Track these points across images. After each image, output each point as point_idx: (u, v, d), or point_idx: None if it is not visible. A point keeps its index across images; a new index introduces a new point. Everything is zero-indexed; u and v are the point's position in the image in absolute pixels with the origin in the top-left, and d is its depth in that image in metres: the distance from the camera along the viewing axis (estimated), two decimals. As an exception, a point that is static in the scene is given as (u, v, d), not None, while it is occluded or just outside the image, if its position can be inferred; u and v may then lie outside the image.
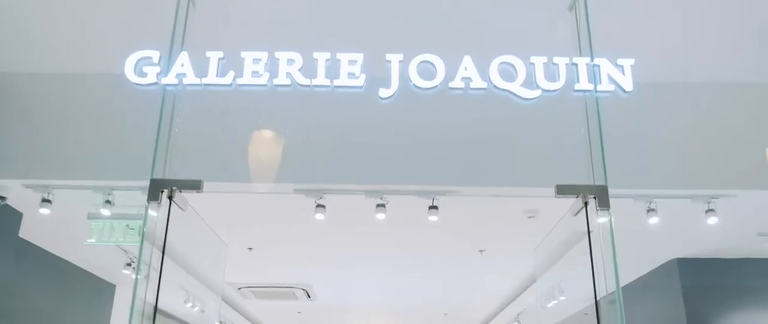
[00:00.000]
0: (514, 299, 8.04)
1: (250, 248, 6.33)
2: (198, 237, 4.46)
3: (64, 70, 4.22)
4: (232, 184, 4.06)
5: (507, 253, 6.36)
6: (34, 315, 5.74)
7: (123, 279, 7.02)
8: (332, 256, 6.72)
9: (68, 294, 6.48)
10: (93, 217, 4.54)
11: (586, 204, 2.93)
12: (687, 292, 5.87)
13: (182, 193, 2.95)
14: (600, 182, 2.99)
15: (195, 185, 2.91)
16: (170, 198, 2.91)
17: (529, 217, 4.55)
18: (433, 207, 4.13)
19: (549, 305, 7.10)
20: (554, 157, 3.62)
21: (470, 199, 4.29)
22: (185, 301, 7.37)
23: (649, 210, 4.22)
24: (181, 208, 3.00)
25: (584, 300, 6.64)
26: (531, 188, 4.03)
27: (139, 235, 4.26)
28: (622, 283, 6.65)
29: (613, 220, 4.14)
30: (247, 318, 9.81)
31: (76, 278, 6.61)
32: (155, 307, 2.90)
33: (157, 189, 2.92)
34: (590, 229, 3.00)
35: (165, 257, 5.90)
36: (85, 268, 6.61)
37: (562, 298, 6.70)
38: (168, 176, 3.13)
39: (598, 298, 5.00)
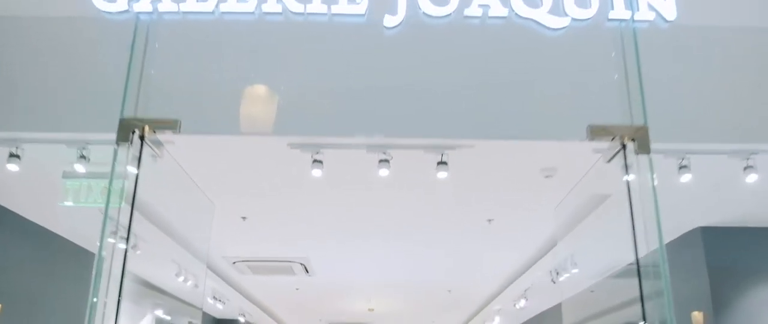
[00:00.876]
0: (521, 274, 7.66)
1: (244, 217, 5.93)
2: (181, 196, 4.06)
3: (28, 12, 3.79)
4: (217, 138, 3.67)
5: (517, 223, 5.97)
6: (8, 287, 5.37)
7: (109, 249, 6.63)
8: (331, 227, 6.33)
9: (47, 265, 6.10)
10: (68, 176, 4.14)
11: (623, 146, 2.51)
12: (712, 265, 5.44)
13: (157, 135, 2.54)
14: (638, 123, 2.58)
15: (171, 125, 2.50)
16: (142, 138, 2.50)
17: (547, 177, 4.14)
18: (442, 162, 3.73)
19: (561, 279, 6.73)
20: (583, 100, 3.20)
21: (483, 155, 3.88)
22: (177, 275, 7.00)
23: (681, 167, 3.81)
24: (155, 152, 2.60)
25: (596, 274, 6.28)
26: (553, 142, 3.64)
27: (117, 192, 3.89)
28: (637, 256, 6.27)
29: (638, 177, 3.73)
30: (244, 295, 9.44)
31: (57, 247, 6.22)
32: (123, 268, 2.49)
33: (127, 129, 2.51)
34: (628, 177, 2.59)
35: (148, 224, 5.52)
36: (66, 237, 6.22)
37: (574, 270, 6.32)
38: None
39: (628, 263, 4.59)
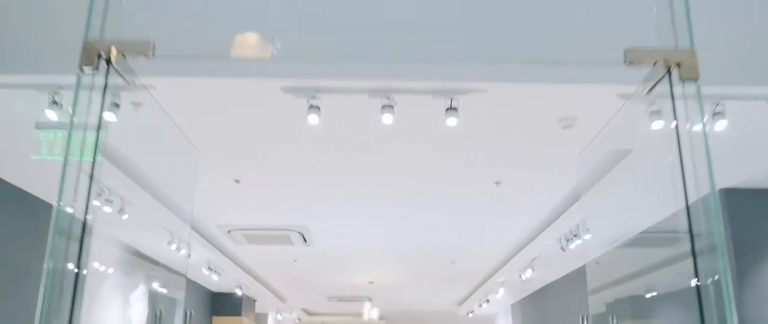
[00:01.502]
0: (528, 243, 7.35)
1: (237, 180, 5.60)
2: (166, 150, 3.72)
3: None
4: (201, 81, 3.32)
5: (526, 187, 5.64)
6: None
7: (97, 215, 6.30)
8: (330, 193, 6.01)
9: (30, 232, 5.77)
10: (42, 126, 3.80)
11: (668, 72, 2.16)
12: (735, 233, 5.01)
13: (127, 61, 2.19)
14: (684, 46, 2.23)
15: (143, 48, 2.15)
16: (108, 61, 2.15)
17: (565, 127, 3.80)
18: (451, 108, 3.38)
19: (571, 246, 6.42)
20: (612, 36, 2.83)
21: (497, 101, 3.54)
22: (169, 243, 6.69)
23: (715, 114, 3.46)
24: (125, 81, 2.25)
25: (609, 242, 5.95)
26: (576, 85, 3.29)
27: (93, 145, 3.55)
28: (647, 225, 5.98)
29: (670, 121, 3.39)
30: (240, 266, 9.15)
31: (40, 212, 5.89)
32: (84, 224, 2.14)
33: (91, 54, 2.16)
34: (674, 107, 2.24)
35: (132, 183, 5.18)
36: (48, 200, 5.87)
37: (586, 236, 6.01)
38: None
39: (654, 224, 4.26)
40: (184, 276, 7.26)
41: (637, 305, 5.68)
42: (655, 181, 4.24)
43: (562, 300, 9.22)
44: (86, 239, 2.27)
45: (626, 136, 3.78)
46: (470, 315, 13.40)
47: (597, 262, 8.00)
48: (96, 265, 6.48)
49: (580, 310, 8.15)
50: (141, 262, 7.51)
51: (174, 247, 6.72)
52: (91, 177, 2.59)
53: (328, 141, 4.26)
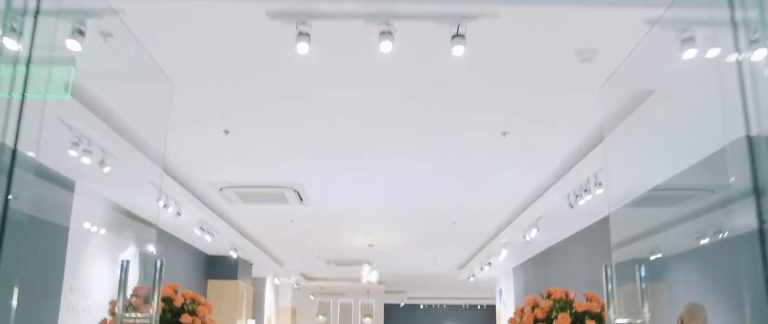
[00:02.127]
0: (534, 201, 7.03)
1: (227, 131, 5.26)
2: (132, 76, 3.35)
3: None
4: (173, 3, 2.94)
5: (535, 137, 5.29)
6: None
7: (84, 171, 5.91)
8: (325, 144, 5.67)
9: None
10: None
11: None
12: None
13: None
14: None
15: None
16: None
17: (583, 61, 3.43)
18: (457, 35, 3.01)
19: (580, 203, 6.10)
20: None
21: (509, 30, 3.16)
22: (157, 200, 6.36)
23: (752, 42, 3.09)
24: None
25: (623, 197, 5.61)
26: (599, 8, 2.92)
27: (64, 85, 3.21)
28: (655, 183, 5.63)
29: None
30: (234, 227, 8.85)
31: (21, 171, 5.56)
32: (14, 151, 1.79)
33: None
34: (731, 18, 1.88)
35: (111, 132, 4.82)
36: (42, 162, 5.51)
37: (598, 192, 5.68)
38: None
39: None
40: (154, 226, 6.94)
41: (668, 257, 5.36)
42: (684, 122, 3.90)
43: (566, 262, 8.95)
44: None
45: (652, 70, 3.42)
46: (471, 279, 13.17)
47: (622, 212, 7.72)
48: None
49: (586, 272, 7.89)
50: (129, 221, 7.20)
51: (161, 203, 6.40)
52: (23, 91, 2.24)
53: (319, 78, 3.89)
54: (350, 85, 4.06)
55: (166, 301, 3.77)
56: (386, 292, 19.99)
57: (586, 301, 3.69)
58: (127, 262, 2.55)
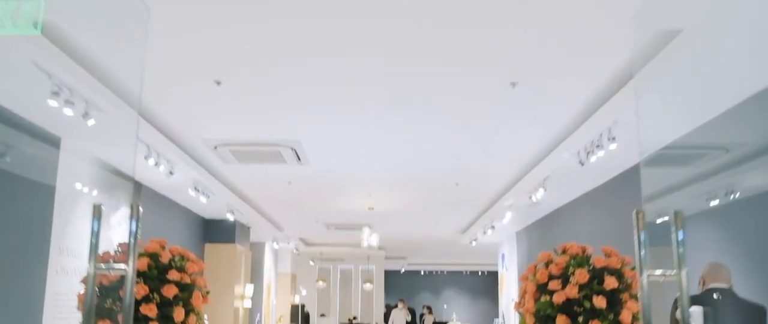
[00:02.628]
0: (543, 158, 6.75)
1: (218, 81, 4.94)
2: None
3: None
4: None
5: (546, 87, 4.98)
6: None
7: (69, 126, 5.59)
8: (323, 98, 5.36)
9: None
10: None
11: None
12: None
13: None
14: None
15: None
16: None
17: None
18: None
19: (592, 159, 5.80)
20: None
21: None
22: (146, 157, 6.07)
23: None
24: None
25: (640, 152, 5.30)
26: None
27: (34, 21, 2.89)
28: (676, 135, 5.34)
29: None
30: (230, 188, 8.59)
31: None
32: None
33: None
34: None
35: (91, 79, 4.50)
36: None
37: (612, 147, 5.38)
38: None
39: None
40: (131, 179, 6.66)
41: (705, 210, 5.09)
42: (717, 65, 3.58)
43: (572, 225, 8.71)
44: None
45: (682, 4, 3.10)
46: (473, 243, 12.97)
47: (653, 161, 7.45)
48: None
49: (592, 234, 7.64)
50: (118, 179, 6.92)
51: (152, 161, 6.12)
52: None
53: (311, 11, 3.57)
54: (344, 13, 3.74)
55: (152, 257, 3.50)
56: (386, 258, 19.86)
57: (605, 256, 3.43)
58: (100, 205, 2.26)
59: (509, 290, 12.61)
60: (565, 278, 3.35)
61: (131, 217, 2.28)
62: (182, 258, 3.63)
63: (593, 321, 3.24)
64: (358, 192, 9.22)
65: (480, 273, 24.59)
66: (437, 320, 20.92)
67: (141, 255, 3.52)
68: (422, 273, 24.63)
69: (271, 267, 15.36)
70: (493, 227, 10.61)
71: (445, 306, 24.18)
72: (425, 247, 17.21)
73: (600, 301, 3.23)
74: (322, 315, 19.59)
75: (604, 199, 7.41)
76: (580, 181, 7.40)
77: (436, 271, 24.54)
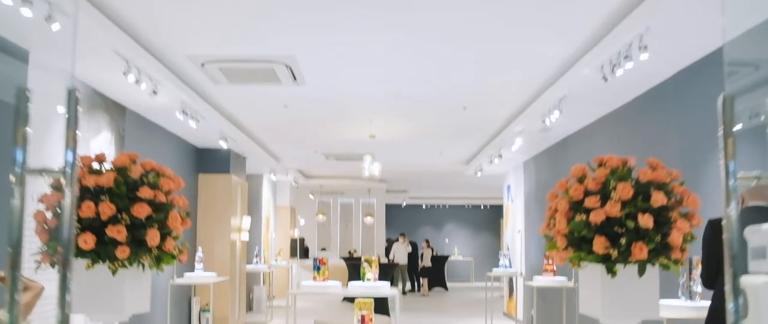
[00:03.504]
0: (560, 77, 6.18)
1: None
2: None
3: None
4: None
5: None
6: None
7: (36, 37, 4.99)
8: (320, 10, 4.77)
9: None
10: None
11: None
12: None
13: None
14: None
15: None
16: None
17: None
18: None
19: (618, 73, 5.24)
20: None
21: None
22: (125, 73, 5.50)
23: None
24: None
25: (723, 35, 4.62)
26: None
27: None
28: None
29: None
30: (221, 112, 8.05)
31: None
32: None
33: None
34: None
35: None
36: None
37: (643, 57, 4.81)
38: None
39: None
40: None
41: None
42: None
43: (586, 152, 8.21)
44: None
45: None
46: (478, 174, 12.52)
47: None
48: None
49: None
50: (99, 100, 6.37)
51: (132, 78, 5.55)
52: None
53: None
54: None
55: (121, 171, 3.00)
56: (387, 191, 19.51)
57: (650, 169, 2.92)
58: (27, 90, 1.72)
59: (514, 222, 12.25)
60: (604, 195, 2.85)
61: (68, 101, 1.71)
62: (156, 174, 3.13)
63: (637, 243, 2.77)
64: (358, 118, 8.68)
65: (482, 207, 24.34)
66: (437, 254, 20.78)
67: (108, 170, 3.02)
68: (424, 207, 24.39)
69: (270, 200, 14.98)
70: (500, 156, 10.12)
71: (447, 240, 24.05)
72: (428, 180, 16.81)
73: (646, 220, 2.74)
74: (323, 249, 19.40)
75: (627, 121, 6.87)
76: (599, 102, 6.86)
77: (438, 205, 24.29)
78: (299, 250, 16.91)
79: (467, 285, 22.26)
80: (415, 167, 13.53)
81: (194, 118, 7.28)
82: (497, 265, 10.54)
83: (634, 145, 6.59)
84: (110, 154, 6.82)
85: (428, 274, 18.25)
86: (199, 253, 8.55)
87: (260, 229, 13.88)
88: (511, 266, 11.33)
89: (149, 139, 7.98)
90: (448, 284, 20.41)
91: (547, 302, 9.52)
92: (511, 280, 12.41)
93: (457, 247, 23.95)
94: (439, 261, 19.80)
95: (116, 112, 6.99)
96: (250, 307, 13.43)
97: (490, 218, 24.41)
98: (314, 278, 6.05)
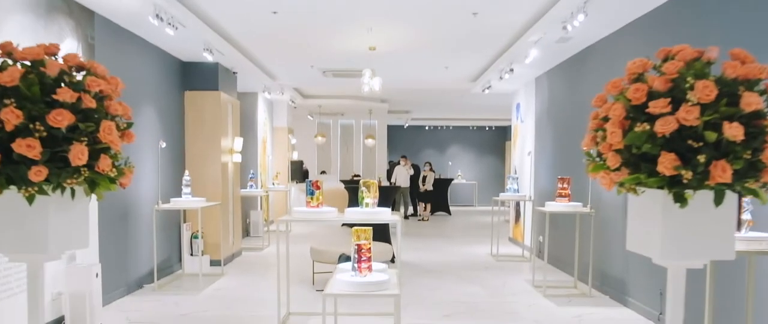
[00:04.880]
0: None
1: None
2: None
3: None
4: None
5: None
6: None
7: None
8: None
9: None
10: None
11: None
12: None
13: None
14: None
15: None
16: None
17: None
18: None
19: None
20: None
21: None
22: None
23: None
24: None
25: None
26: None
27: None
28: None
29: None
30: (203, 19, 7.21)
31: None
32: None
33: None
34: None
35: None
36: None
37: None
38: None
39: None
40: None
41: None
42: None
43: (608, 64, 7.41)
44: None
45: None
46: (486, 91, 11.74)
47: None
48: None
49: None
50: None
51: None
52: None
53: None
54: None
55: (33, 67, 2.28)
56: (389, 112, 18.76)
57: (739, 62, 2.18)
58: None
59: (524, 144, 11.56)
60: (675, 99, 2.13)
61: None
62: (86, 71, 2.40)
63: (719, 162, 2.07)
64: (356, 26, 7.84)
65: (487, 128, 23.63)
66: (441, 177, 20.26)
67: (15, 65, 2.29)
68: (427, 128, 23.68)
69: (266, 121, 14.27)
70: (511, 71, 9.31)
71: (450, 163, 23.48)
72: (431, 100, 16.00)
73: (734, 130, 2.03)
74: (322, 172, 18.84)
75: (661, 25, 6.05)
76: (631, 1, 6.01)
77: (441, 127, 23.57)
78: (300, 173, 16.33)
79: (470, 209, 21.85)
80: (419, 84, 12.71)
81: (171, 24, 6.47)
82: (503, 189, 10.01)
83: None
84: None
85: (431, 198, 17.73)
86: (186, 177, 7.92)
87: (256, 152, 13.25)
88: (519, 190, 10.73)
89: (125, 50, 7.18)
90: (451, 208, 19.98)
91: (559, 229, 8.96)
92: (517, 204, 11.84)
93: (461, 169, 23.41)
94: (443, 184, 19.28)
95: (83, 17, 6.17)
96: (247, 233, 12.97)
97: (495, 140, 23.76)
98: (308, 203, 5.41)
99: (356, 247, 4.58)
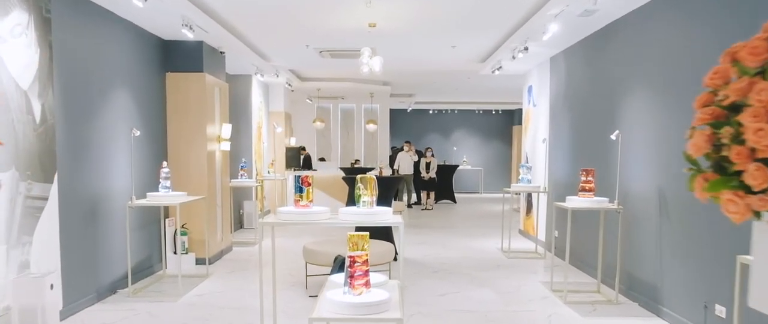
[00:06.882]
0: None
1: None
2: None
3: None
4: None
5: None
6: None
7: None
8: None
9: None
10: None
11: None
12: None
13: None
14: None
15: None
16: None
17: None
18: None
19: None
20: None
21: None
22: None
23: None
24: None
25: None
26: None
27: None
28: None
29: None
30: (178, -10, 6.34)
31: None
32: None
33: None
34: None
35: None
36: None
37: None
38: None
39: None
40: None
41: None
42: None
43: (636, 40, 6.54)
44: None
45: None
46: (495, 73, 10.85)
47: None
48: None
49: (667, 49, 5.51)
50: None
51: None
52: None
53: None
54: None
55: None
56: (392, 95, 17.86)
57: None
58: None
59: (537, 130, 10.69)
60: None
61: None
62: None
63: None
64: (355, 3, 6.95)
65: (493, 112, 22.72)
66: (445, 163, 19.42)
67: None
68: (431, 112, 22.78)
69: (261, 105, 13.42)
70: (525, 49, 8.43)
71: (455, 148, 22.60)
72: (436, 82, 15.08)
73: None
74: (322, 159, 17.99)
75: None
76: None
77: (446, 111, 22.67)
78: (297, 160, 15.46)
79: (476, 196, 21.03)
80: (423, 66, 11.81)
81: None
82: (509, 175, 9.17)
83: (712, 32, 4.93)
84: (27, 43, 5.20)
85: (434, 186, 16.80)
86: (165, 169, 7.05)
87: (250, 139, 12.42)
88: (531, 181, 9.89)
89: (90, 25, 6.30)
90: (457, 196, 19.16)
91: (577, 223, 8.12)
92: (529, 194, 11.00)
93: (466, 155, 22.55)
94: (447, 171, 18.42)
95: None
96: (241, 224, 12.17)
97: (501, 124, 22.86)
98: (296, 202, 4.54)
99: (350, 260, 3.75)
